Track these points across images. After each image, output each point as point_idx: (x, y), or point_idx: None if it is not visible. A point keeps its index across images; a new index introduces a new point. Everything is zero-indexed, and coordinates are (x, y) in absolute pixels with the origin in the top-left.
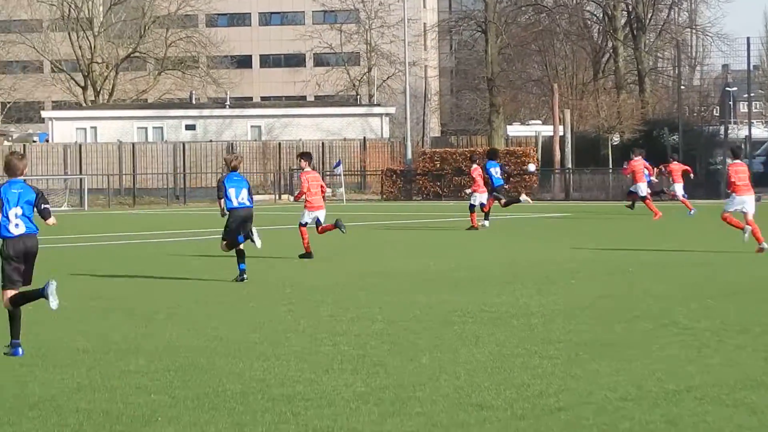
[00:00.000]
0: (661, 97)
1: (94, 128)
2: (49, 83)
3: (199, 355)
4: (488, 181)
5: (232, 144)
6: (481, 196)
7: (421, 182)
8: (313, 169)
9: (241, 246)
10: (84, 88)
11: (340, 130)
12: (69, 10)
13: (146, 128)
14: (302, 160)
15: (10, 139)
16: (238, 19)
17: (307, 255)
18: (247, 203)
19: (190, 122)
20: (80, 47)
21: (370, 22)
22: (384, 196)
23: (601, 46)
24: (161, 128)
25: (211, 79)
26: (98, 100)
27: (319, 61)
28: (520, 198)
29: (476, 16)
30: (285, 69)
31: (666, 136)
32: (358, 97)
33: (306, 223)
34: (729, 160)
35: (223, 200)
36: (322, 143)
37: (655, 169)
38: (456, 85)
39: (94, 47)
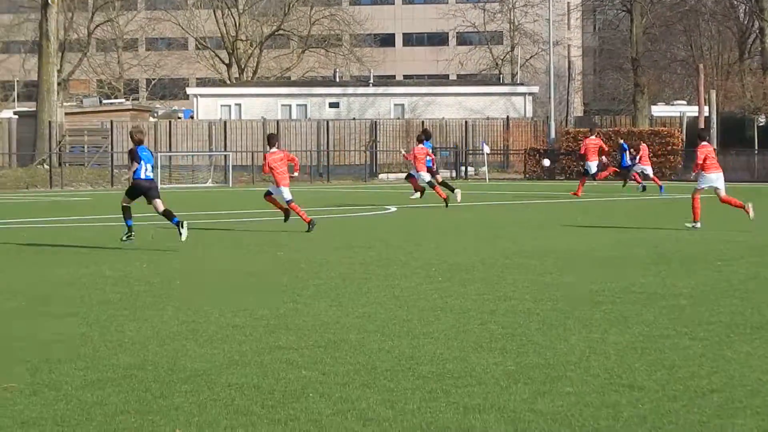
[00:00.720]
0: None
1: (239, 105)
2: (194, 60)
3: (348, 331)
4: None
5: (375, 122)
6: (425, 175)
7: (564, 161)
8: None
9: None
10: (228, 66)
11: (483, 109)
12: None
13: (290, 106)
14: (268, 143)
15: (155, 115)
16: None
17: (286, 215)
18: (151, 176)
19: (333, 100)
20: (225, 24)
21: (513, 1)
22: (527, 175)
23: (747, 26)
24: (305, 106)
25: (354, 57)
26: (242, 77)
27: (462, 39)
28: (454, 191)
29: None
30: (428, 48)
31: None
32: (501, 76)
33: (271, 193)
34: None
35: (135, 167)
36: (465, 122)
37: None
38: (599, 65)
39: (239, 25)
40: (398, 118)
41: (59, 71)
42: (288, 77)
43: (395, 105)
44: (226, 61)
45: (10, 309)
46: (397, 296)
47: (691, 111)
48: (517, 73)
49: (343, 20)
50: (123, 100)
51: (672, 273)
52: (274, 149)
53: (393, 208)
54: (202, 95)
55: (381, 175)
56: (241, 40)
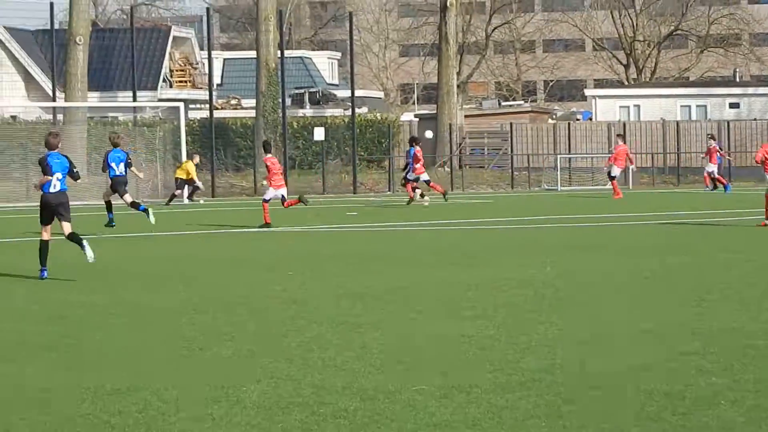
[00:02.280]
0: None
1: (637, 106)
2: (591, 61)
3: (756, 337)
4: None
5: None
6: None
7: None
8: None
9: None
10: (626, 66)
11: None
12: None
13: (689, 106)
14: (264, 150)
15: (554, 116)
16: None
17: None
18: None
19: (733, 100)
20: (622, 25)
21: None
22: None
23: None
24: (704, 106)
25: (754, 56)
26: (640, 78)
27: None
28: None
29: None
30: None
31: None
32: None
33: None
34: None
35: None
36: None
37: None
38: None
39: (636, 25)
40: None
41: (458, 74)
42: (686, 77)
43: None
44: (624, 62)
45: (415, 312)
46: None
47: None
48: None
49: (743, 19)
50: (521, 102)
51: None
52: (269, 155)
53: None
54: (600, 96)
55: None
56: (639, 40)
